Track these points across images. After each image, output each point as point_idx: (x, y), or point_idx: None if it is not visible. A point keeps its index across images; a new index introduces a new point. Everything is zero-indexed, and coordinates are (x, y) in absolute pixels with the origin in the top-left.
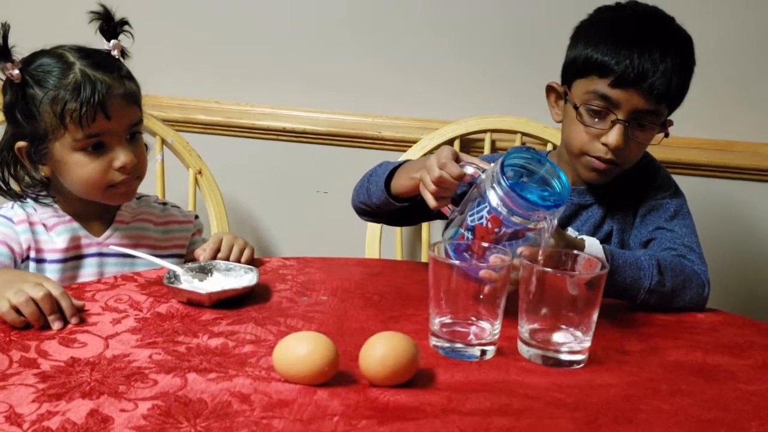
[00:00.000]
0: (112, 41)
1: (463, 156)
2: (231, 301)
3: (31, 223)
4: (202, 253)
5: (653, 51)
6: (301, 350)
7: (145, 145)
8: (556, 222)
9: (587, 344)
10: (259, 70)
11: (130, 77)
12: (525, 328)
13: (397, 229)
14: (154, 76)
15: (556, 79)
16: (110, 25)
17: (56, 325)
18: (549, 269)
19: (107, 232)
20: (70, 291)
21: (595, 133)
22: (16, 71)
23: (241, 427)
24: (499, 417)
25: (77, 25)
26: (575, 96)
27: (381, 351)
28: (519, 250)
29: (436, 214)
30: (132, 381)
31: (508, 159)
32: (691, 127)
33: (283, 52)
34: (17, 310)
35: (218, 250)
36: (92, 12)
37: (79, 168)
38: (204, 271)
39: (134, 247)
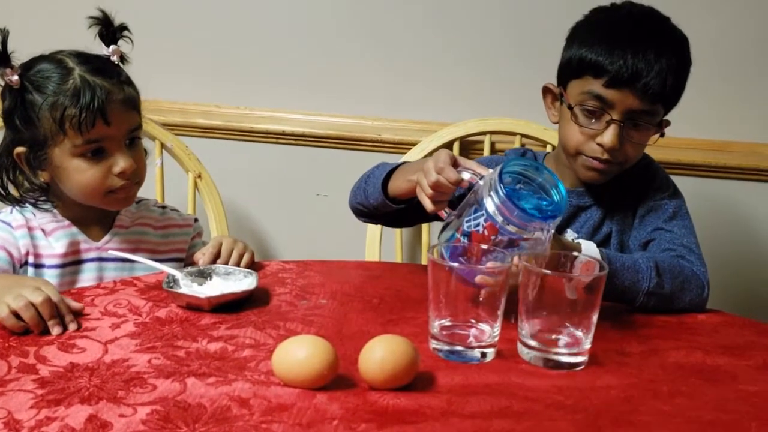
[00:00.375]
0: (112, 47)
1: (461, 160)
2: (230, 305)
3: (29, 228)
4: (202, 257)
5: (647, 51)
6: (300, 354)
7: (145, 150)
8: (552, 232)
9: (587, 346)
10: (258, 74)
11: (129, 82)
12: (525, 330)
13: (397, 231)
14: (153, 80)
15: (555, 80)
16: (109, 30)
17: (56, 330)
18: (549, 272)
19: (106, 237)
20: (69, 296)
21: (591, 133)
22: (15, 77)
23: (241, 431)
24: (500, 419)
25: (76, 30)
26: (570, 97)
27: (380, 354)
28: (514, 259)
29: (433, 216)
30: (131, 386)
31: (507, 167)
32: (690, 128)
33: (282, 56)
34: (17, 316)
35: (218, 254)
36: (91, 17)
37: (79, 174)
38: (203, 276)
39: (134, 251)
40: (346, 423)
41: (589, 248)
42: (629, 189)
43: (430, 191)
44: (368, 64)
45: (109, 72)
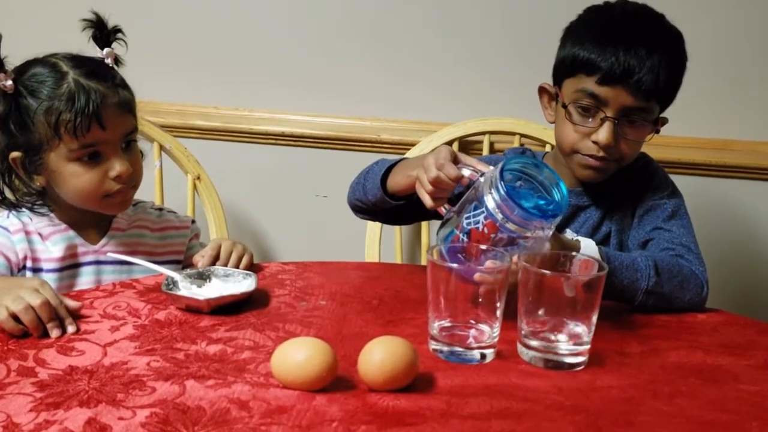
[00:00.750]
0: (106, 49)
1: (462, 156)
2: (229, 307)
3: (27, 233)
4: (201, 259)
5: (640, 47)
6: (299, 356)
7: (141, 153)
8: (553, 230)
9: (587, 346)
10: (257, 75)
11: (124, 85)
12: (525, 330)
13: (397, 232)
14: (152, 81)
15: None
16: (103, 33)
17: (55, 333)
18: (548, 271)
19: (103, 240)
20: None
21: (585, 131)
22: (9, 82)
23: None
24: (499, 420)
25: (71, 32)
26: (565, 95)
27: (380, 356)
28: (513, 257)
29: (432, 213)
30: (130, 389)
31: (508, 164)
32: (689, 127)
33: (281, 57)
34: (16, 319)
35: (217, 256)
36: (85, 20)
37: (75, 178)
38: (202, 278)
39: (131, 254)
40: (345, 425)
41: (589, 246)
42: (628, 188)
43: (430, 187)
44: (367, 65)
45: (103, 75)
